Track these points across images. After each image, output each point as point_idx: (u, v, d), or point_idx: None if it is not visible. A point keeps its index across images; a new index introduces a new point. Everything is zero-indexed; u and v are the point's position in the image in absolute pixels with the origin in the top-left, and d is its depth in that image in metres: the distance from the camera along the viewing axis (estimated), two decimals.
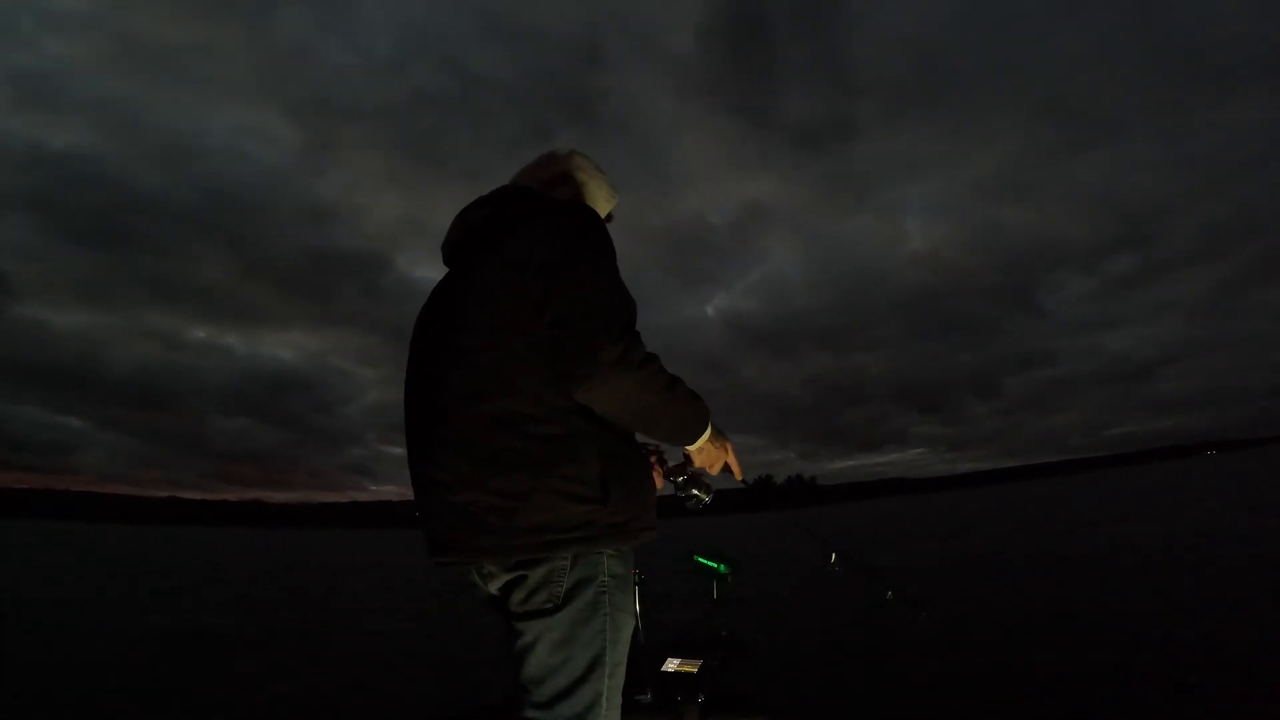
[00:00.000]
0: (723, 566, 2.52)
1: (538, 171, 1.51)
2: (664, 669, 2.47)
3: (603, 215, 1.58)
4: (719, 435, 1.39)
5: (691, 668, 2.45)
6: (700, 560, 2.58)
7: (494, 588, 1.27)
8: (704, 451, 1.38)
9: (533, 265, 1.22)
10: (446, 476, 1.21)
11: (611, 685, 1.23)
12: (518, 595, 1.23)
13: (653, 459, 1.50)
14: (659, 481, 1.44)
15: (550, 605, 1.20)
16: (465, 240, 1.39)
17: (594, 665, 1.20)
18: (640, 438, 1.36)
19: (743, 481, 1.53)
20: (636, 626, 2.47)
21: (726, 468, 1.47)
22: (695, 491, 1.52)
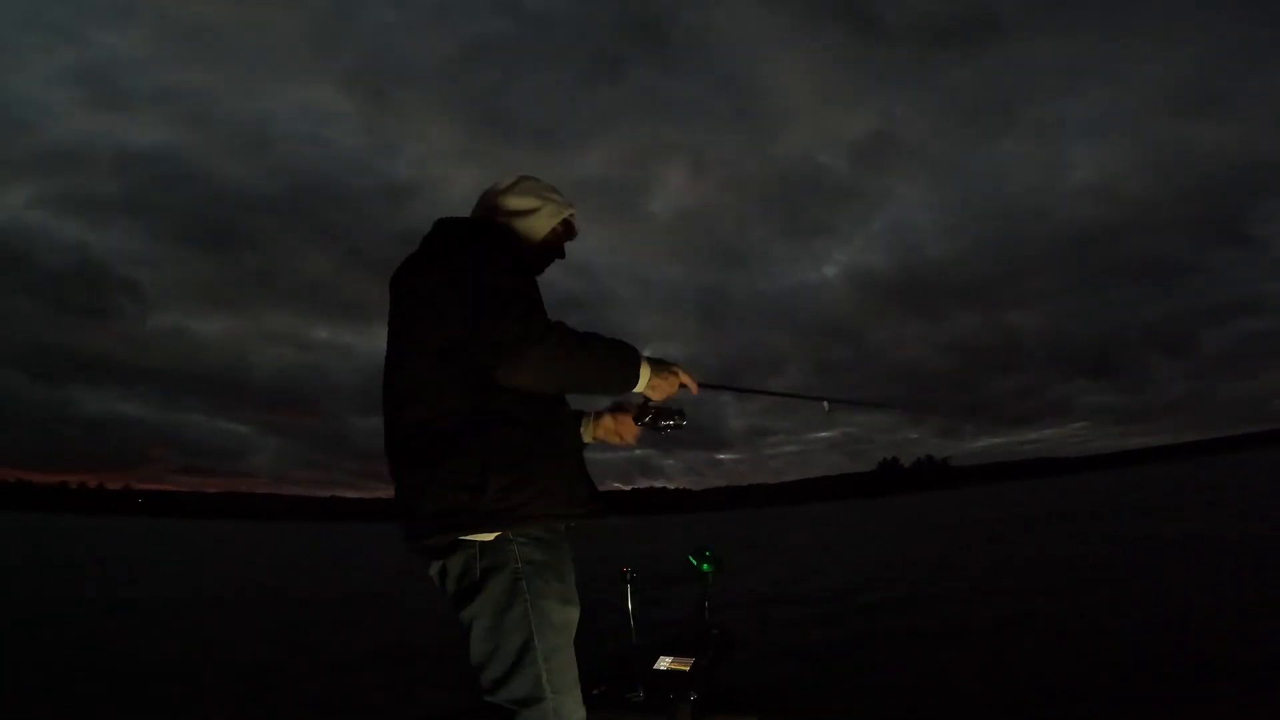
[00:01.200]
0: (705, 565, 2.46)
1: (478, 204, 1.69)
2: (656, 667, 2.45)
3: (525, 218, 1.63)
4: (660, 365, 1.48)
5: (684, 666, 2.41)
6: (690, 559, 2.53)
7: (431, 571, 1.41)
8: (655, 388, 1.47)
9: (430, 287, 1.41)
10: (394, 476, 1.42)
11: (552, 668, 1.28)
12: (447, 584, 1.37)
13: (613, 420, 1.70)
14: (621, 434, 1.68)
15: (469, 593, 1.31)
16: (398, 273, 1.56)
17: (523, 651, 1.27)
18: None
19: (706, 386, 1.62)
20: (629, 625, 2.46)
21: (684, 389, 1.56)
22: (664, 423, 1.64)
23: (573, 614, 1.36)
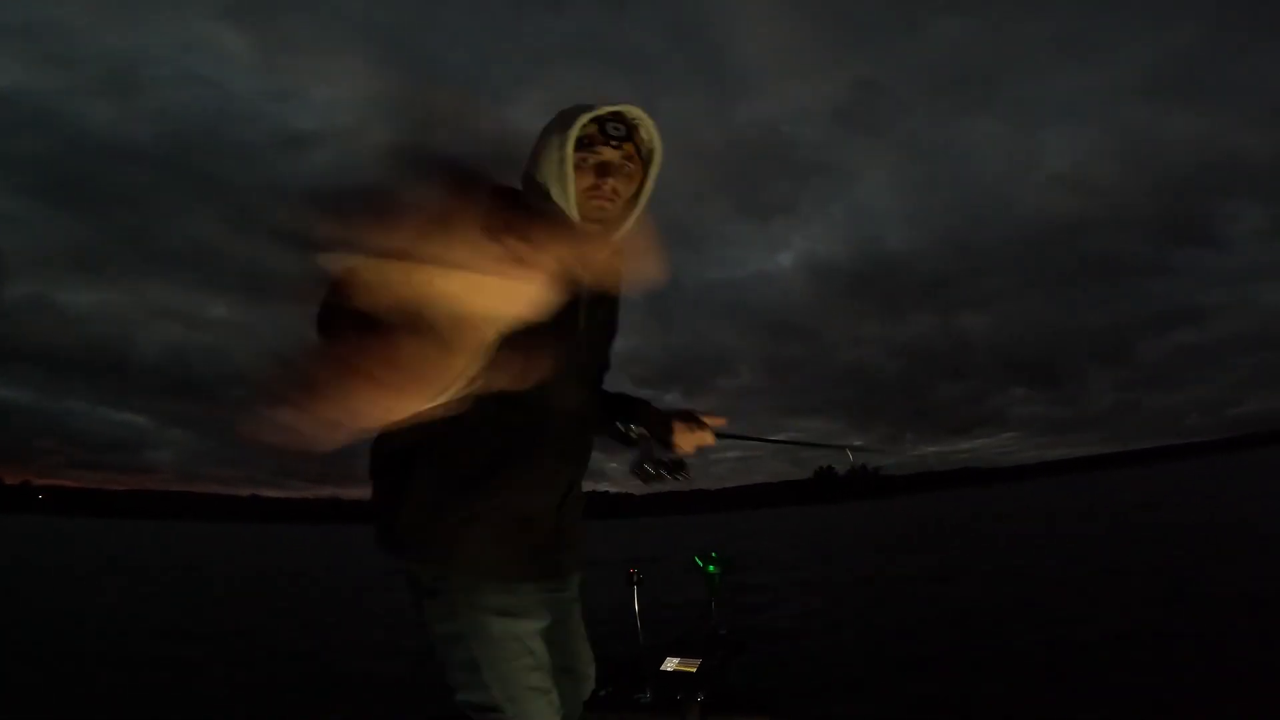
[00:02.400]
0: (711, 567, 2.50)
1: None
2: (663, 668, 2.48)
3: (557, 171, 1.18)
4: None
5: (691, 667, 2.44)
6: (696, 560, 2.58)
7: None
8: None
9: None
10: None
11: (498, 675, 1.19)
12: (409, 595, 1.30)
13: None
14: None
15: (418, 606, 1.25)
16: None
17: (470, 666, 1.20)
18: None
19: (722, 435, 1.44)
20: (636, 626, 2.48)
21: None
22: (658, 472, 1.42)
23: (514, 625, 1.22)
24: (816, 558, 14.63)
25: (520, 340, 0.86)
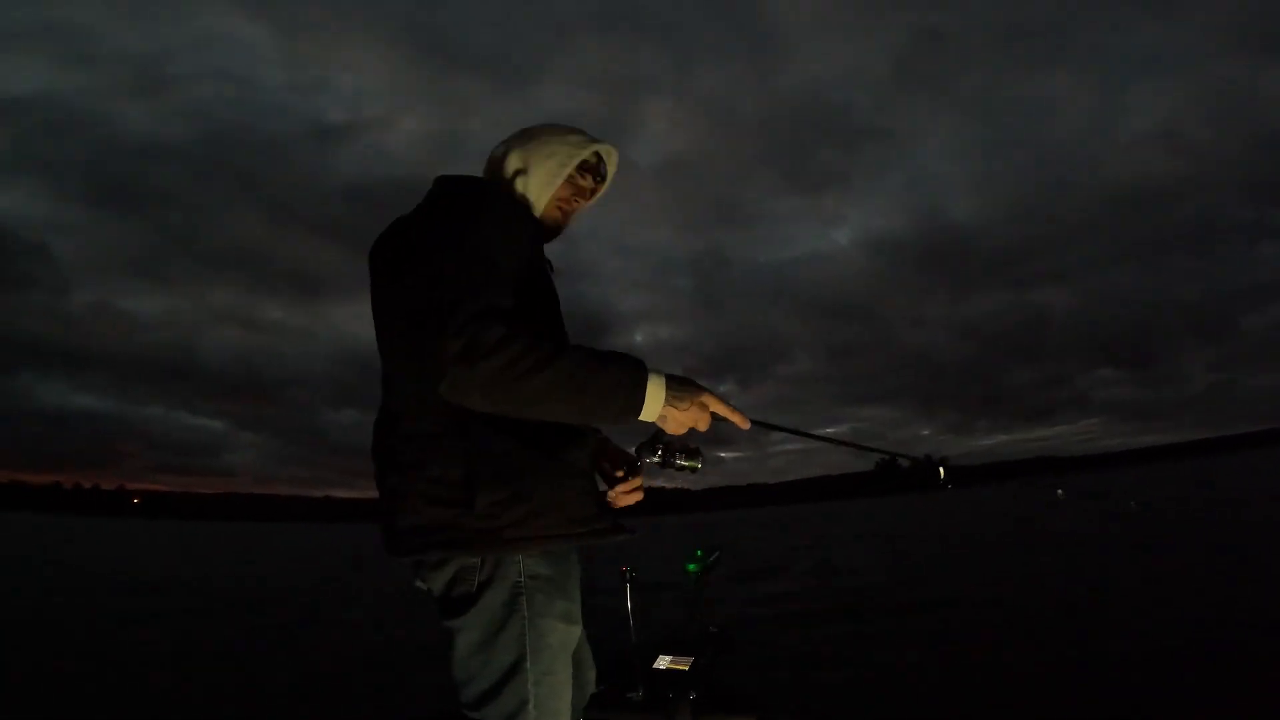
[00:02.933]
0: (691, 565, 2.47)
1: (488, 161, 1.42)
2: (655, 666, 2.46)
3: (552, 187, 1.34)
4: (684, 388, 1.12)
5: (683, 665, 2.42)
6: (689, 562, 2.54)
7: (419, 583, 1.26)
8: (668, 418, 1.11)
9: (394, 263, 1.24)
10: (375, 476, 1.28)
11: (541, 692, 1.15)
12: (437, 593, 1.21)
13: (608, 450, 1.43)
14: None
15: (461, 605, 1.16)
16: (377, 244, 1.35)
17: (514, 670, 1.14)
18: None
19: (759, 424, 1.26)
20: (628, 624, 2.47)
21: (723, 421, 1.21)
22: (680, 462, 1.28)
23: (574, 633, 1.23)
24: (824, 554, 14.33)
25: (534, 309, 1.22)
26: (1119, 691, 3.60)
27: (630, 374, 1.07)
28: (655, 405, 1.09)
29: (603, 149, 1.41)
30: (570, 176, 1.36)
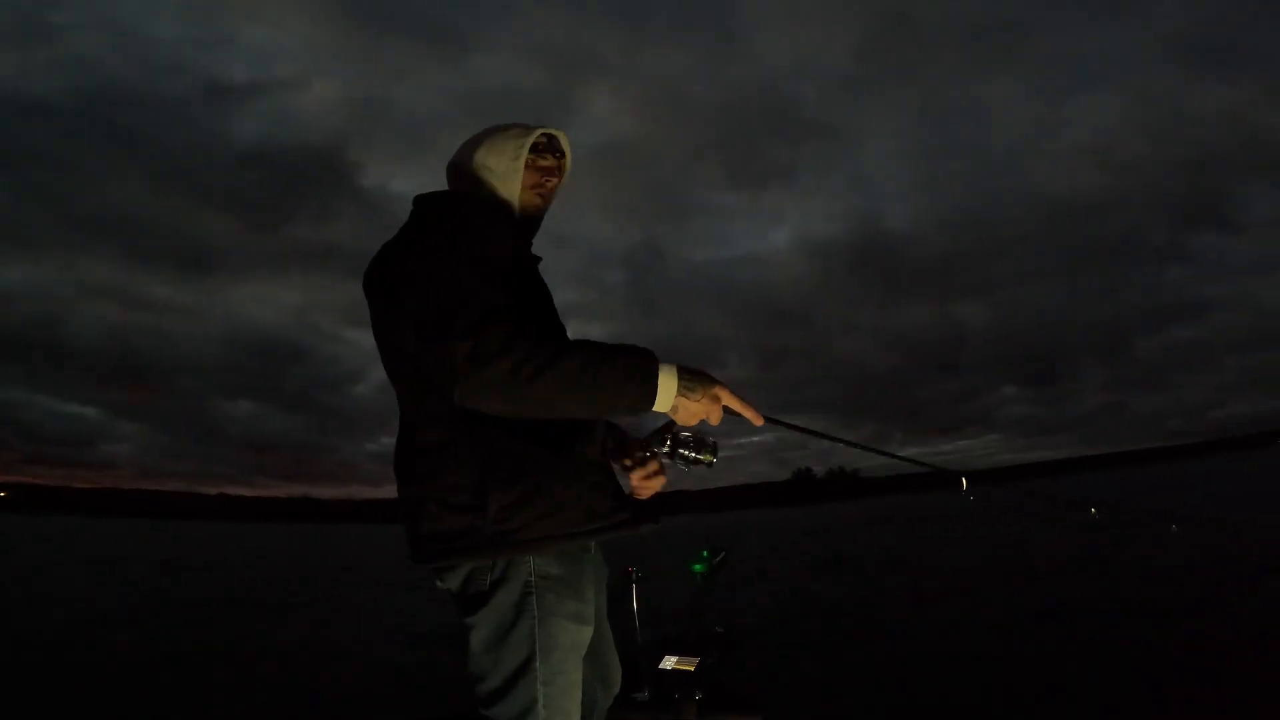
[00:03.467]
0: (697, 565, 2.52)
1: (449, 167, 1.46)
2: (661, 667, 2.48)
3: (519, 181, 1.36)
4: (696, 379, 1.12)
5: (689, 665, 2.45)
6: (694, 562, 2.59)
7: (440, 587, 1.29)
8: (680, 409, 1.11)
9: (388, 284, 1.25)
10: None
11: (549, 692, 1.16)
12: (453, 593, 1.24)
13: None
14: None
15: (474, 603, 1.19)
16: (369, 267, 1.36)
17: (523, 669, 1.15)
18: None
19: (771, 420, 1.24)
20: (634, 625, 2.48)
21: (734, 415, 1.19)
22: (686, 453, 1.25)
23: (585, 634, 1.24)
24: (809, 558, 14.56)
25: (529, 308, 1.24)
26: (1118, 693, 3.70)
27: (641, 365, 1.08)
28: (668, 396, 1.09)
29: (549, 130, 1.41)
30: (529, 161, 1.36)
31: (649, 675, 2.41)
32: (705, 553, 2.56)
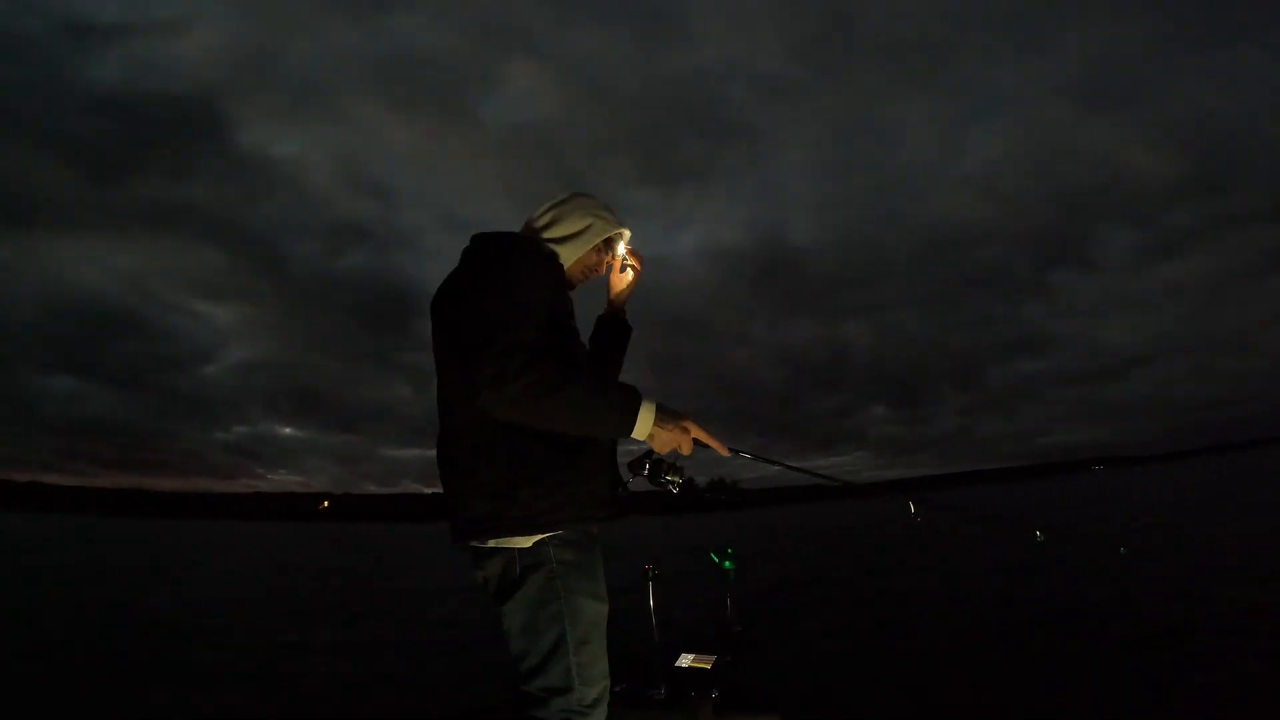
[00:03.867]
0: (727, 563, 2.56)
1: (531, 218, 1.71)
2: (678, 665, 2.49)
3: (573, 242, 1.66)
4: (669, 415, 1.39)
5: (705, 664, 2.47)
6: (712, 556, 2.61)
7: (476, 575, 1.53)
8: (656, 437, 1.39)
9: (449, 306, 1.50)
10: (441, 482, 1.54)
11: (580, 660, 1.40)
12: (489, 583, 1.49)
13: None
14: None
15: (508, 590, 1.44)
16: (437, 293, 1.59)
17: (558, 644, 1.40)
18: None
19: (735, 452, 1.53)
20: (651, 623, 2.46)
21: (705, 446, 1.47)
22: (667, 477, 1.52)
23: (603, 610, 1.48)
24: (821, 557, 14.36)
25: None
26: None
27: (626, 400, 1.37)
28: (645, 427, 1.37)
29: (622, 231, 1.76)
30: (596, 247, 1.70)
31: (665, 673, 2.41)
32: (730, 550, 2.60)
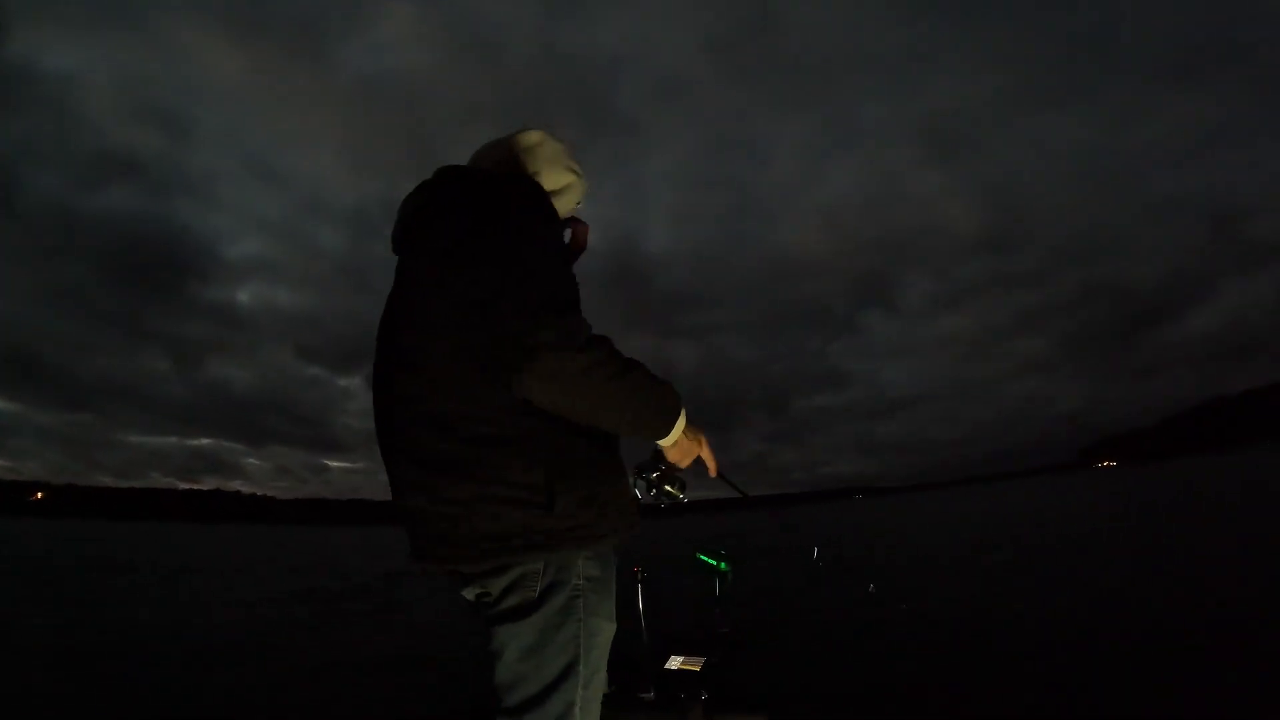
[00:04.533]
0: (723, 564, 2.57)
1: (492, 151, 1.40)
2: (667, 667, 2.45)
3: (557, 199, 1.40)
4: (694, 426, 1.26)
5: (695, 666, 2.45)
6: (702, 558, 2.61)
7: (469, 594, 1.22)
8: (677, 445, 1.24)
9: (458, 254, 1.16)
10: (402, 481, 1.19)
11: (586, 696, 1.15)
12: (488, 600, 1.19)
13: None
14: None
15: (520, 610, 1.15)
16: (404, 231, 1.30)
17: (566, 673, 1.13)
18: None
19: (720, 476, 1.38)
20: (640, 625, 2.40)
21: (700, 462, 1.34)
22: (669, 489, 1.39)
23: (613, 631, 1.26)
24: (797, 563, 13.81)
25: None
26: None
27: (673, 400, 1.19)
28: (676, 433, 1.22)
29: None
30: (571, 213, 1.45)
31: (655, 675, 2.36)
32: (723, 550, 2.60)
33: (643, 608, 2.43)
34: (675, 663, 2.48)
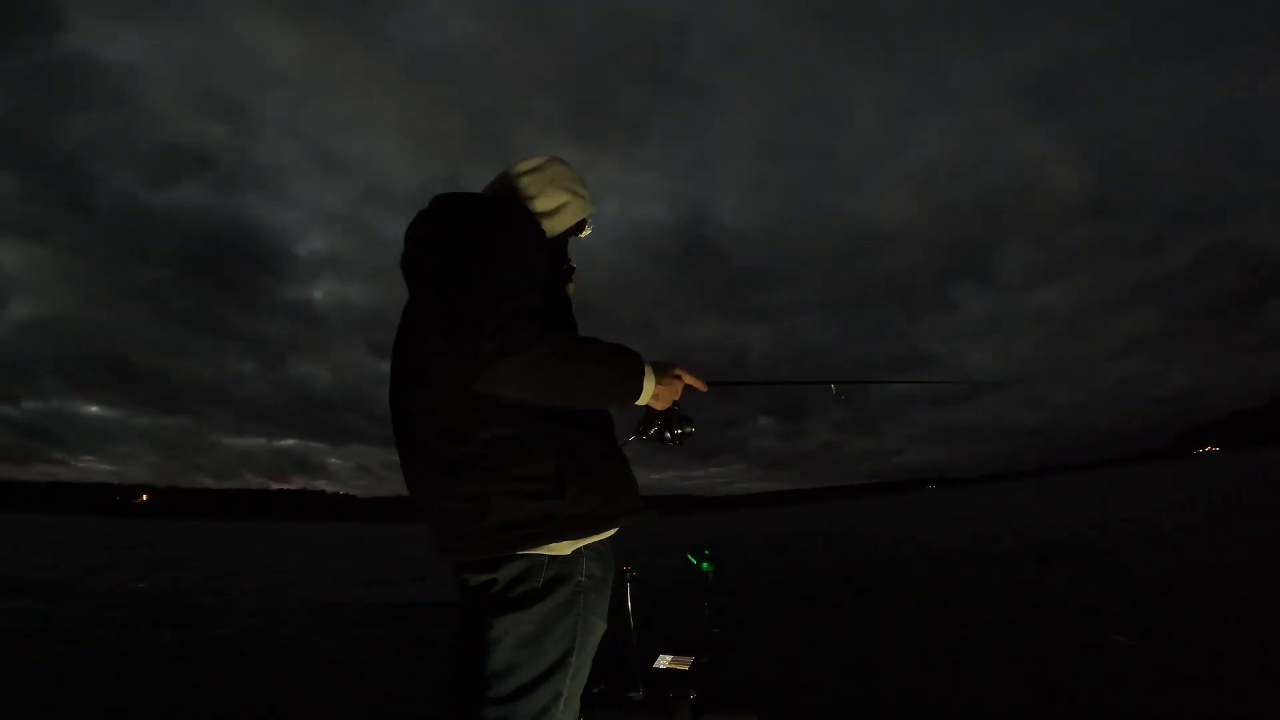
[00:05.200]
0: (706, 565, 2.58)
1: (498, 177, 1.51)
2: (656, 666, 2.47)
3: (550, 219, 1.49)
4: (662, 369, 1.34)
5: (683, 665, 2.47)
6: (689, 558, 2.62)
7: (474, 582, 1.28)
8: (659, 397, 1.33)
9: (439, 277, 1.25)
10: (422, 484, 1.29)
11: (573, 687, 1.21)
12: (494, 590, 1.23)
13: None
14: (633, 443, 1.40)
15: (525, 599, 1.20)
16: (409, 259, 1.41)
17: (560, 664, 1.20)
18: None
19: (711, 384, 1.44)
20: (629, 624, 2.43)
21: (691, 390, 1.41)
22: (675, 432, 1.43)
23: (603, 630, 1.31)
24: (796, 557, 13.95)
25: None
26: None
27: (633, 362, 1.27)
28: (649, 390, 1.29)
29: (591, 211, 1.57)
30: (568, 230, 1.52)
31: (643, 675, 2.39)
32: (707, 551, 2.61)
33: (631, 607, 2.46)
34: (664, 662, 2.50)
